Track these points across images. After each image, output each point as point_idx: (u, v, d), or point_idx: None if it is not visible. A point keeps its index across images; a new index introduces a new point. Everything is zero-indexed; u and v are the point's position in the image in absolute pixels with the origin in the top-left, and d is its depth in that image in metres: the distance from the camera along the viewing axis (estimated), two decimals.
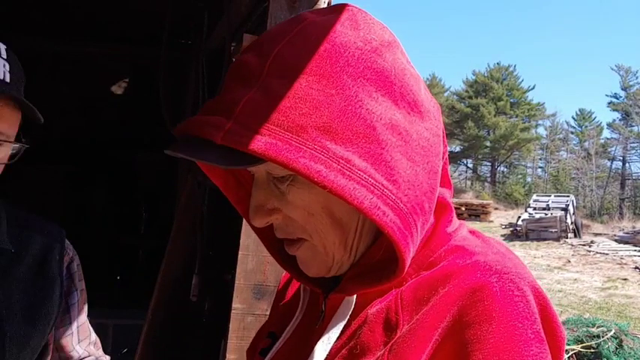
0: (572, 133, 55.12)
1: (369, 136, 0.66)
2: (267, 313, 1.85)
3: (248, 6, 2.33)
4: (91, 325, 1.39)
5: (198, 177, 3.12)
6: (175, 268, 3.10)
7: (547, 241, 19.69)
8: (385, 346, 0.69)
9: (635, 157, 49.93)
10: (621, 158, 50.15)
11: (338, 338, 0.75)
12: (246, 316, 1.84)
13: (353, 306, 0.75)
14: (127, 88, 4.41)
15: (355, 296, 0.76)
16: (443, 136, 0.77)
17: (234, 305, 1.83)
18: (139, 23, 3.59)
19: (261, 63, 0.69)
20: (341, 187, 0.63)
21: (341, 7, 0.73)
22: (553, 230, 20.54)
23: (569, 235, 21.38)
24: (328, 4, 1.91)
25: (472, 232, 0.80)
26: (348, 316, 0.75)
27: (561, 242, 19.90)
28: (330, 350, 0.74)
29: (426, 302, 0.69)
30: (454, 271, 0.69)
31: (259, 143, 0.64)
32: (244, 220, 1.81)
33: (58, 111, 4.22)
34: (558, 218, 20.95)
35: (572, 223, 22.28)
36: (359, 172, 0.64)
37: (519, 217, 22.33)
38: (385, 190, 0.65)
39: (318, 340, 0.76)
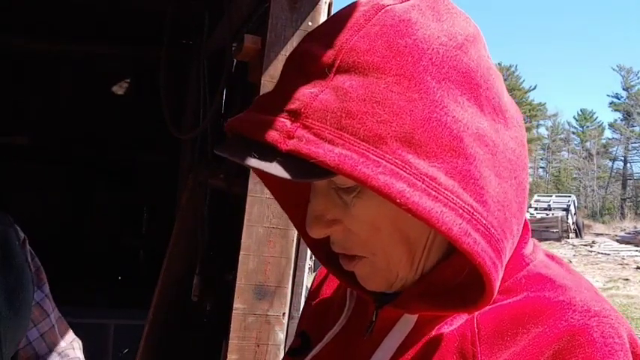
0: (573, 133, 55.12)
1: (455, 150, 0.57)
2: (268, 313, 1.85)
3: (249, 6, 2.32)
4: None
5: (199, 178, 3.11)
6: (176, 268, 3.10)
7: (548, 242, 19.69)
8: None
9: (637, 157, 49.92)
10: (623, 158, 50.14)
11: (393, 358, 0.68)
12: (247, 316, 1.83)
13: (413, 325, 0.68)
14: (127, 89, 4.41)
15: (417, 316, 0.68)
16: None
17: (235, 305, 1.83)
18: (139, 23, 3.58)
19: (330, 56, 0.59)
20: (427, 210, 0.55)
21: None
22: (554, 230, 20.54)
23: (571, 235, 21.39)
24: (329, 4, 1.90)
25: (549, 256, 0.72)
26: (406, 335, 0.68)
27: (563, 242, 19.90)
28: None
29: (513, 339, 0.61)
30: (547, 307, 0.61)
31: (332, 154, 0.55)
32: (245, 220, 1.82)
33: (58, 111, 4.22)
34: (560, 218, 20.95)
35: (573, 223, 22.28)
36: (446, 191, 0.56)
37: None
38: (475, 213, 0.57)
39: (364, 353, 0.71)
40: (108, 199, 4.42)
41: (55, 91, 4.22)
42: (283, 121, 0.59)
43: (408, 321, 0.69)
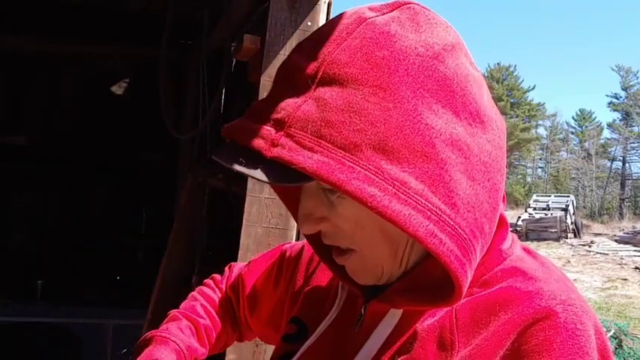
0: (572, 133, 55.14)
1: (427, 155, 0.61)
2: None
3: (248, 6, 2.33)
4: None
5: (198, 177, 3.12)
6: (175, 268, 3.10)
7: (547, 242, 19.69)
8: None
9: (635, 158, 49.94)
10: (621, 158, 50.15)
11: (381, 349, 0.72)
12: None
13: (399, 318, 0.73)
14: (126, 89, 4.41)
15: (402, 310, 0.73)
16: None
17: None
18: (139, 23, 3.59)
19: (313, 68, 0.65)
20: (395, 212, 0.59)
21: (402, 4, 0.67)
22: (553, 230, 20.54)
23: (569, 235, 21.39)
24: (328, 4, 1.91)
25: (526, 250, 0.77)
26: (393, 327, 0.73)
27: (561, 242, 19.90)
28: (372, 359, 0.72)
29: (485, 326, 0.66)
30: (516, 296, 0.66)
31: (310, 161, 0.61)
32: (244, 220, 1.82)
33: (57, 111, 4.22)
34: (558, 218, 20.95)
35: (572, 223, 22.29)
36: (415, 195, 0.60)
37: (519, 217, 22.33)
38: (442, 215, 0.61)
39: (355, 345, 0.75)
40: (107, 199, 4.42)
41: (55, 91, 4.22)
42: (269, 130, 0.64)
43: (394, 315, 0.73)
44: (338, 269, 0.79)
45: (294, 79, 0.66)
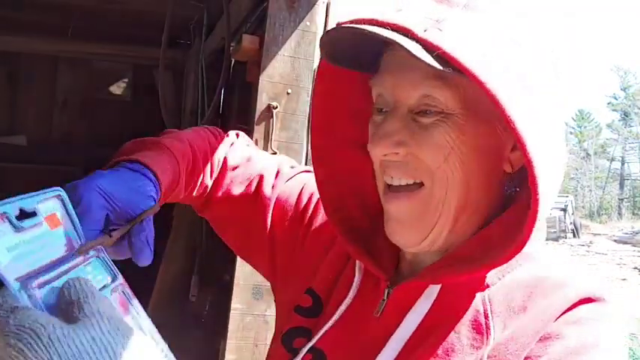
0: (571, 133, 55.13)
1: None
2: (266, 313, 1.85)
3: (247, 7, 2.33)
4: None
5: None
6: (174, 268, 3.10)
7: (546, 241, 19.66)
8: (475, 350, 0.68)
9: (634, 158, 49.95)
10: (620, 158, 50.17)
11: (414, 335, 0.72)
12: (245, 316, 1.84)
13: (432, 303, 0.72)
14: (126, 89, 4.41)
15: (435, 294, 0.72)
16: None
17: (233, 305, 1.83)
18: (139, 23, 3.59)
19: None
20: (524, 131, 0.61)
21: None
22: (552, 230, 20.55)
23: (568, 235, 21.41)
24: (327, 5, 1.91)
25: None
26: (425, 313, 0.72)
27: (560, 242, 19.91)
28: (405, 345, 0.72)
29: (522, 311, 0.68)
30: (551, 282, 0.70)
31: (471, 54, 0.61)
32: None
33: (57, 111, 4.23)
34: (557, 218, 20.96)
35: (571, 223, 22.30)
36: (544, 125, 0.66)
37: None
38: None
39: (379, 332, 0.74)
40: None
41: (54, 91, 4.22)
42: (419, 20, 0.63)
43: (427, 300, 0.73)
44: (364, 252, 0.78)
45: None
